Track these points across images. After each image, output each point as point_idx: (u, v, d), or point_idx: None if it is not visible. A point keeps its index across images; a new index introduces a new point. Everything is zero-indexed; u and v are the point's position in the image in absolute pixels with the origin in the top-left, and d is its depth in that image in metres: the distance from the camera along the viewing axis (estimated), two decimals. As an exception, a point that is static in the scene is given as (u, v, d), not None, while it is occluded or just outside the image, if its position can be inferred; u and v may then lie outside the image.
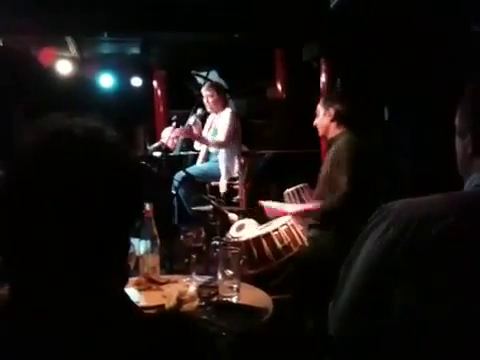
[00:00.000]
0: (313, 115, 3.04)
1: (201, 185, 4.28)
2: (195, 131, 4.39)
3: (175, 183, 4.23)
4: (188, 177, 4.15)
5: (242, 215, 3.34)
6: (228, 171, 4.26)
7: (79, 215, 0.70)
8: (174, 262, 2.84)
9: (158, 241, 2.02)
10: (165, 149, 4.03)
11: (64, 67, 5.15)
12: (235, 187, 4.23)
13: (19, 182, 0.72)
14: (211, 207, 3.13)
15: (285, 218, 2.66)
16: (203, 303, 1.73)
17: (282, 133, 5.44)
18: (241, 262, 1.86)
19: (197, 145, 4.63)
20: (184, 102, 5.15)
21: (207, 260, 2.05)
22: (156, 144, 5.11)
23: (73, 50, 5.16)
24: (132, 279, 1.88)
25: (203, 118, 4.61)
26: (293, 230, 2.58)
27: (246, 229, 2.72)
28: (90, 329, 0.71)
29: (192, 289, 1.80)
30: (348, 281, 1.05)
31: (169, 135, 4.12)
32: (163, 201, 3.75)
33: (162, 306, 1.70)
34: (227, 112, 4.40)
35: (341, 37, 4.57)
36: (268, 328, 1.66)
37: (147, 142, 5.53)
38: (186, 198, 4.21)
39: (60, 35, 4.83)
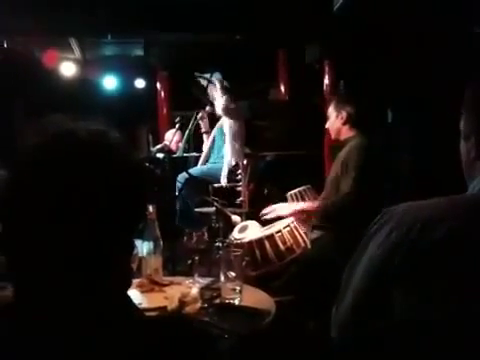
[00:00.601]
0: (315, 117, 3.04)
1: (204, 187, 4.28)
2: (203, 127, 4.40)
3: (178, 185, 4.23)
4: (191, 179, 4.15)
5: (245, 217, 3.34)
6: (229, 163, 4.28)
7: (81, 216, 0.70)
8: (177, 264, 2.84)
9: (161, 243, 2.02)
10: (168, 151, 4.04)
11: (68, 69, 5.17)
12: (238, 189, 4.23)
13: (21, 183, 0.72)
14: (214, 209, 3.13)
15: (288, 220, 2.66)
16: (205, 305, 1.73)
17: (285, 135, 5.44)
18: (244, 264, 1.86)
19: (205, 144, 4.64)
20: (187, 104, 5.16)
21: (210, 262, 2.04)
22: (159, 146, 5.13)
23: (77, 52, 5.18)
24: (134, 281, 1.88)
25: (210, 115, 4.62)
26: (296, 232, 2.58)
27: (249, 231, 2.71)
28: (90, 329, 0.71)
29: (194, 291, 1.79)
30: (351, 285, 1.05)
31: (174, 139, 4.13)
32: (166, 203, 3.75)
33: (164, 308, 1.70)
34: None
35: (343, 39, 4.57)
36: (270, 330, 1.65)
37: (150, 144, 5.55)
38: (189, 200, 4.21)
39: (63, 37, 4.84)
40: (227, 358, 0.99)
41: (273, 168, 5.13)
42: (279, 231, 2.53)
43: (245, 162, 4.27)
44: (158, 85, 5.65)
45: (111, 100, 5.55)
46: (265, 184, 4.30)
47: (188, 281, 1.99)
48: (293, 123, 5.33)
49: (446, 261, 0.93)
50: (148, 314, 1.20)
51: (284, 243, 2.51)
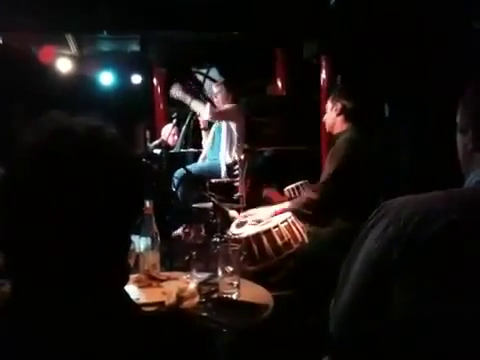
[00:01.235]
0: (313, 112, 3.04)
1: (201, 182, 4.28)
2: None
3: (175, 180, 4.23)
4: (188, 174, 4.15)
5: (242, 212, 3.34)
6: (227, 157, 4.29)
7: (79, 214, 0.70)
8: (174, 259, 2.84)
9: (158, 238, 2.02)
10: (165, 146, 4.03)
11: (64, 65, 5.14)
12: (235, 184, 4.23)
13: (19, 181, 0.72)
14: (211, 204, 3.14)
15: (285, 215, 2.67)
16: (203, 300, 1.73)
17: (282, 130, 5.43)
18: (241, 259, 1.86)
19: (204, 141, 4.64)
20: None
21: (207, 257, 2.05)
22: (156, 141, 5.13)
23: (73, 48, 5.16)
24: (132, 276, 1.88)
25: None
26: (293, 227, 2.59)
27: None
28: (90, 328, 0.71)
29: (192, 286, 1.80)
30: (348, 280, 1.05)
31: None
32: (163, 198, 3.75)
33: (162, 303, 1.70)
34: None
35: (341, 34, 4.56)
36: (268, 325, 1.66)
37: (147, 139, 5.54)
38: (186, 195, 4.21)
39: (60, 33, 4.82)
40: (225, 353, 0.99)
41: (271, 164, 5.13)
42: (276, 226, 2.54)
43: (242, 157, 4.27)
44: (155, 81, 5.64)
45: (108, 96, 5.54)
46: (263, 181, 4.30)
47: (186, 276, 1.99)
48: (291, 119, 5.33)
49: (444, 255, 0.93)
50: (146, 309, 1.20)
51: (282, 238, 2.52)
